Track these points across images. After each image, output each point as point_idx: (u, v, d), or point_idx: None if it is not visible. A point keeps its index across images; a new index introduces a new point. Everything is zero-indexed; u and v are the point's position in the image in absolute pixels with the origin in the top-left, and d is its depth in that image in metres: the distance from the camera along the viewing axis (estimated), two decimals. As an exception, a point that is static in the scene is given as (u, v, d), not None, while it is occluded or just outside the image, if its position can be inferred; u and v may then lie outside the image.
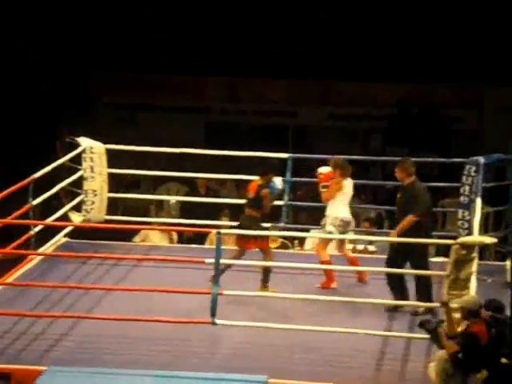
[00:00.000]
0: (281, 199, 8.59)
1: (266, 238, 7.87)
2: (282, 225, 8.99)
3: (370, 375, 6.45)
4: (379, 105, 12.83)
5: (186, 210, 10.19)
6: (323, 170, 8.03)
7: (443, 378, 5.78)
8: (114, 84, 13.18)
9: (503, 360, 5.92)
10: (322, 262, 7.88)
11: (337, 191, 7.93)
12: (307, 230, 9.21)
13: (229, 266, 7.63)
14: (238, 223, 7.94)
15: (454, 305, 6.00)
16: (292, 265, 7.79)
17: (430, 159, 9.84)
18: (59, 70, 12.84)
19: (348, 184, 7.99)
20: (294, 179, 9.16)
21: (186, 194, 10.63)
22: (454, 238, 7.31)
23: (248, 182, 7.91)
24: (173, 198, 10.27)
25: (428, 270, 7.31)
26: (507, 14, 12.22)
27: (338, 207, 7.88)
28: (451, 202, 9.57)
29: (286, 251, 9.30)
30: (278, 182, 7.94)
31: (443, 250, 8.45)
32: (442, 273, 6.98)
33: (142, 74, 13.12)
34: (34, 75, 12.67)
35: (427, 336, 6.12)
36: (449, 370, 5.78)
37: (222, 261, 7.01)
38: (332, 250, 8.48)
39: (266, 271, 7.73)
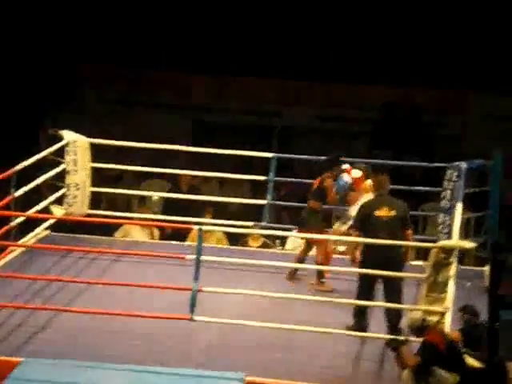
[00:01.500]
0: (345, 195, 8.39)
1: (319, 231, 7.86)
2: (264, 224, 9.02)
3: (347, 376, 6.48)
4: (365, 108, 12.87)
5: (169, 207, 10.20)
6: (356, 174, 8.10)
7: None
8: (101, 78, 13.17)
9: (477, 364, 5.98)
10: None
11: (365, 193, 8.09)
12: (289, 230, 9.24)
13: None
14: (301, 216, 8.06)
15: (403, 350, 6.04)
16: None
17: (413, 163, 9.89)
18: (46, 62, 12.81)
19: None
20: (278, 179, 9.20)
21: (169, 191, 10.64)
22: (434, 241, 7.35)
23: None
24: (155, 194, 10.27)
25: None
26: (492, 20, 12.30)
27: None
28: (432, 206, 9.62)
29: (268, 250, 9.32)
30: (345, 177, 7.98)
31: (423, 254, 8.49)
32: (421, 275, 7.04)
33: (130, 69, 13.11)
34: (20, 66, 12.63)
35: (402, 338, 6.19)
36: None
37: (206, 257, 7.02)
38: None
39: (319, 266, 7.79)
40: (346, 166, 8.17)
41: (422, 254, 8.45)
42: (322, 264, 7.82)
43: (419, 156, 10.15)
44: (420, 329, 6.04)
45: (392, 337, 6.28)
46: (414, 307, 6.82)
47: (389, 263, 7.03)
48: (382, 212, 7.22)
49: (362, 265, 7.15)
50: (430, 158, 9.75)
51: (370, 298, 7.13)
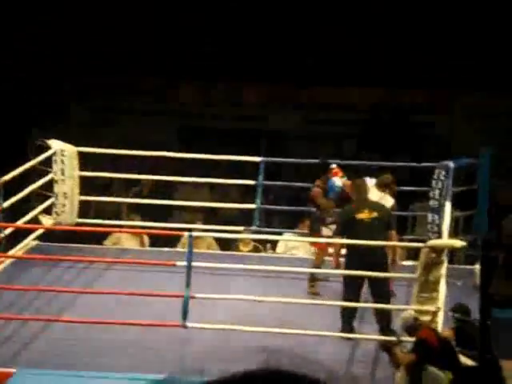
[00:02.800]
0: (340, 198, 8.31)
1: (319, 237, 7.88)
2: (254, 228, 9.00)
3: (339, 378, 6.45)
4: (352, 110, 12.88)
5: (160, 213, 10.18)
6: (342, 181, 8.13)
7: None
8: (87, 86, 13.14)
9: (470, 362, 5.99)
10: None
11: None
12: (280, 234, 9.23)
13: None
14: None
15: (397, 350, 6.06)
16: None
17: (401, 163, 9.92)
18: (32, 72, 12.78)
19: None
20: (267, 183, 9.19)
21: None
22: (424, 241, 7.36)
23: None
24: (145, 201, 10.24)
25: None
26: (475, 19, 12.33)
27: None
28: (421, 205, 9.63)
29: (259, 254, 9.31)
30: (337, 181, 7.98)
31: (413, 254, 8.50)
32: (412, 275, 7.04)
33: (116, 76, 13.09)
34: (6, 77, 12.59)
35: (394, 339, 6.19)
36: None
37: (197, 264, 7.00)
38: None
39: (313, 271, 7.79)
40: (333, 166, 8.14)
41: (413, 254, 8.46)
42: (316, 267, 7.82)
43: (408, 157, 10.14)
44: (413, 328, 6.05)
45: (385, 338, 6.28)
46: (406, 307, 6.82)
47: (372, 265, 6.98)
48: (363, 215, 7.20)
49: (347, 268, 7.13)
50: (418, 159, 9.75)
51: (356, 300, 7.11)
